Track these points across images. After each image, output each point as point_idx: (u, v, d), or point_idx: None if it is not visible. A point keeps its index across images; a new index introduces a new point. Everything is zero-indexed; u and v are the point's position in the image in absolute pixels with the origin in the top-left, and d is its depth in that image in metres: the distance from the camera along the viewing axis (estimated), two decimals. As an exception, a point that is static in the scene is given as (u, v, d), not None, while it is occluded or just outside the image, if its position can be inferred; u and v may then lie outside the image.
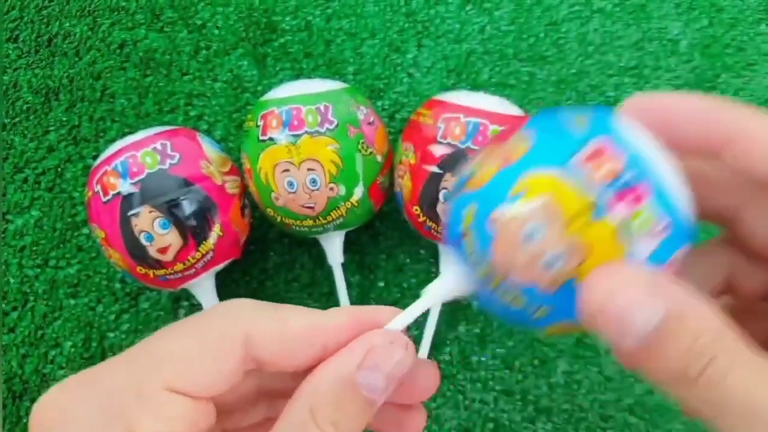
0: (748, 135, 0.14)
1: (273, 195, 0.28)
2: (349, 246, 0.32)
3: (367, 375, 0.15)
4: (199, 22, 0.36)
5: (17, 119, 0.35)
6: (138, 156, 0.27)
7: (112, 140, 0.32)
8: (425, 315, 0.31)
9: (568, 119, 0.15)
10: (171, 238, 0.27)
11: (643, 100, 0.15)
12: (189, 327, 0.16)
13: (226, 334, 0.15)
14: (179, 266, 0.27)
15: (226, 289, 0.32)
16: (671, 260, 0.14)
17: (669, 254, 0.14)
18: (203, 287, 0.29)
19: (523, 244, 0.14)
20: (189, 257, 0.27)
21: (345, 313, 0.17)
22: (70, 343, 0.33)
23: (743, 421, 0.12)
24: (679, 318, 0.12)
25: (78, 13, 0.36)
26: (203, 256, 0.28)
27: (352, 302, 0.32)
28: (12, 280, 0.34)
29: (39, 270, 0.34)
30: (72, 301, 0.34)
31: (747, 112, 0.14)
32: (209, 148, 0.29)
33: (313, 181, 0.27)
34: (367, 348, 0.16)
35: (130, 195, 0.27)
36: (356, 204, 0.28)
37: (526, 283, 0.14)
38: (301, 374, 0.16)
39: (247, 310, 0.16)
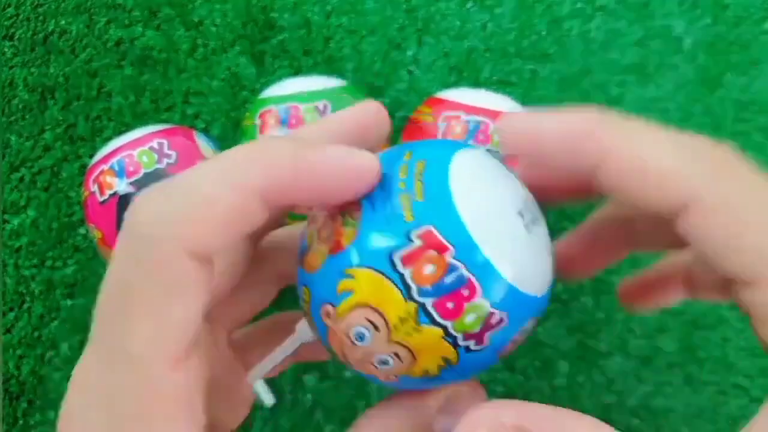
0: (615, 156, 0.13)
1: (271, 195, 0.28)
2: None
3: None
4: (196, 20, 0.36)
5: (13, 118, 0.35)
6: (134, 155, 0.27)
7: (109, 139, 0.32)
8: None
9: (398, 192, 0.13)
10: (168, 239, 0.27)
11: (513, 123, 0.14)
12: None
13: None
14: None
15: (225, 289, 0.32)
16: (515, 337, 0.14)
17: (511, 334, 0.14)
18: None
19: (353, 345, 0.14)
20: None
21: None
22: (67, 345, 0.33)
23: None
24: None
25: (74, 11, 0.36)
26: (200, 256, 0.27)
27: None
28: (8, 281, 0.33)
29: (35, 270, 0.34)
30: (69, 302, 0.33)
31: (620, 129, 0.13)
32: (206, 147, 0.28)
33: (312, 181, 0.27)
34: None
35: (127, 195, 0.26)
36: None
37: (365, 373, 0.14)
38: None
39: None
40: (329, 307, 0.14)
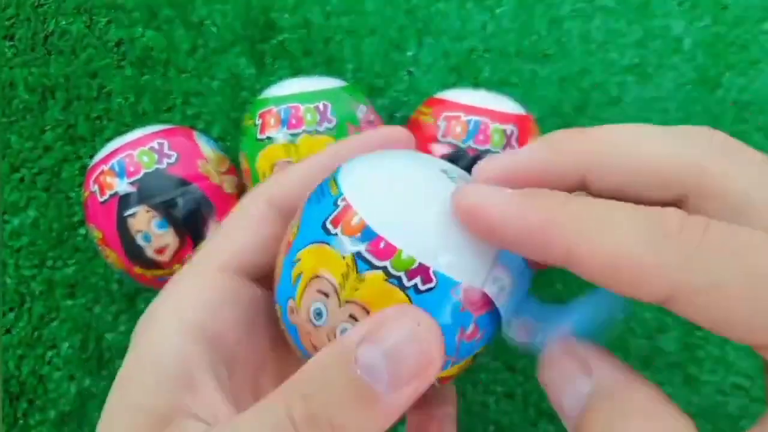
0: (583, 250, 0.12)
1: (271, 195, 0.28)
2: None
3: (367, 350, 0.12)
4: (196, 20, 0.36)
5: (13, 118, 0.35)
6: (135, 155, 0.27)
7: (109, 139, 0.32)
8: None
9: (327, 181, 0.15)
10: (168, 239, 0.27)
11: (473, 202, 0.13)
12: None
13: (248, 214, 0.17)
14: (177, 267, 0.27)
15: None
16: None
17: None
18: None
19: (316, 329, 0.14)
20: (186, 257, 0.27)
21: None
22: (67, 344, 0.33)
23: None
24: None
25: (74, 11, 0.36)
26: (201, 256, 0.27)
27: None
28: (9, 281, 0.34)
29: (36, 270, 0.34)
30: (69, 302, 0.33)
31: (584, 217, 0.12)
32: (206, 147, 0.28)
33: (312, 181, 0.27)
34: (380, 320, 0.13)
35: (127, 195, 0.26)
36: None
37: None
38: None
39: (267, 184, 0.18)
40: (291, 302, 0.14)
